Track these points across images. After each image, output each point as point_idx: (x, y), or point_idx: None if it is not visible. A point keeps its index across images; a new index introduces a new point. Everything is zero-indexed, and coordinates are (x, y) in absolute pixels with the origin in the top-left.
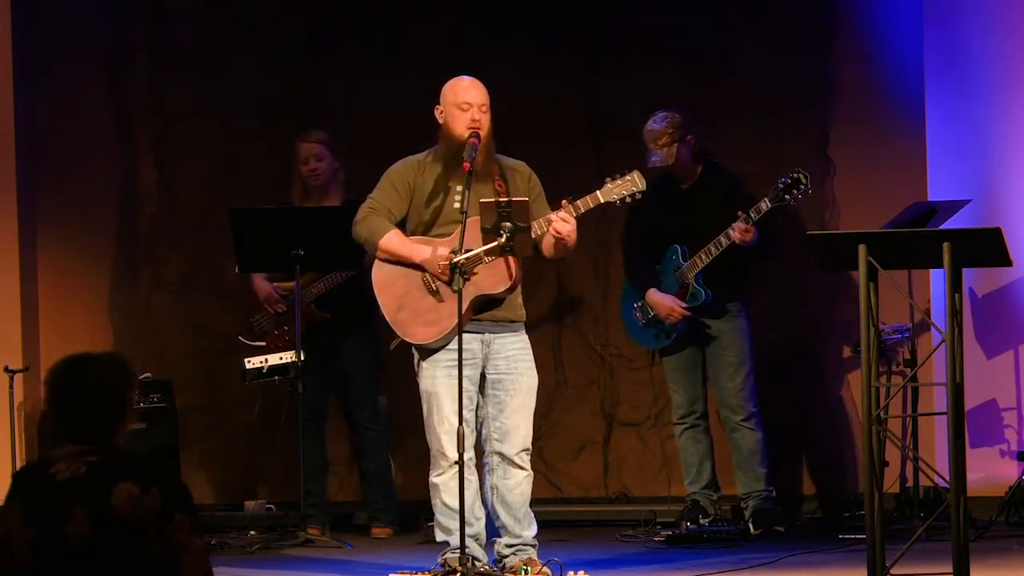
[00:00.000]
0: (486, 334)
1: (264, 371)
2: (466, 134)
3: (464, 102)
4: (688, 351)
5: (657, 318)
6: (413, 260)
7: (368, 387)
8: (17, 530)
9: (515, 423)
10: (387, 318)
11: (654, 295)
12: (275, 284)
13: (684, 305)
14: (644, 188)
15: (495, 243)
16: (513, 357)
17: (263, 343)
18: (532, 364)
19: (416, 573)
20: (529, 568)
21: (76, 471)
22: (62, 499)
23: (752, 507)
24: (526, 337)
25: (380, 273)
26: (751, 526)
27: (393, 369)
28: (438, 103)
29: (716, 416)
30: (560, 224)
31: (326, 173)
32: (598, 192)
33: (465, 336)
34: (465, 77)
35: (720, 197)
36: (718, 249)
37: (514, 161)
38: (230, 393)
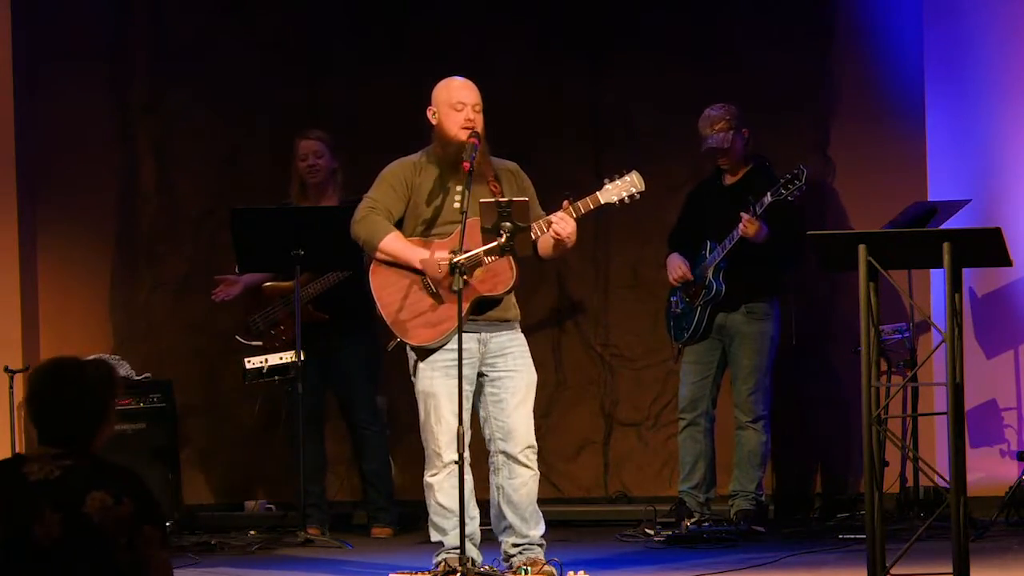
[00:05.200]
0: (482, 333)
1: (264, 371)
2: (462, 134)
3: (458, 102)
4: (707, 347)
5: (683, 312)
6: (412, 263)
7: (366, 388)
8: None
9: (516, 421)
10: (386, 320)
11: (673, 257)
12: (269, 284)
13: (688, 277)
14: (643, 189)
15: (495, 243)
16: (511, 355)
17: (260, 343)
18: (530, 361)
19: (416, 573)
20: (530, 568)
21: (50, 474)
22: (33, 500)
23: (737, 505)
24: (522, 335)
25: (379, 274)
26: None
27: (392, 369)
28: (430, 104)
29: (726, 416)
30: (560, 226)
31: (324, 171)
32: (598, 193)
33: (463, 336)
34: (457, 77)
35: (756, 198)
36: (731, 243)
37: (505, 162)
38: (230, 393)
